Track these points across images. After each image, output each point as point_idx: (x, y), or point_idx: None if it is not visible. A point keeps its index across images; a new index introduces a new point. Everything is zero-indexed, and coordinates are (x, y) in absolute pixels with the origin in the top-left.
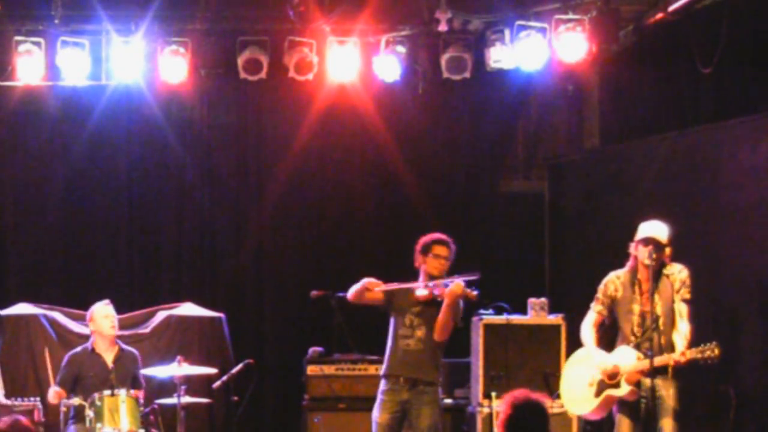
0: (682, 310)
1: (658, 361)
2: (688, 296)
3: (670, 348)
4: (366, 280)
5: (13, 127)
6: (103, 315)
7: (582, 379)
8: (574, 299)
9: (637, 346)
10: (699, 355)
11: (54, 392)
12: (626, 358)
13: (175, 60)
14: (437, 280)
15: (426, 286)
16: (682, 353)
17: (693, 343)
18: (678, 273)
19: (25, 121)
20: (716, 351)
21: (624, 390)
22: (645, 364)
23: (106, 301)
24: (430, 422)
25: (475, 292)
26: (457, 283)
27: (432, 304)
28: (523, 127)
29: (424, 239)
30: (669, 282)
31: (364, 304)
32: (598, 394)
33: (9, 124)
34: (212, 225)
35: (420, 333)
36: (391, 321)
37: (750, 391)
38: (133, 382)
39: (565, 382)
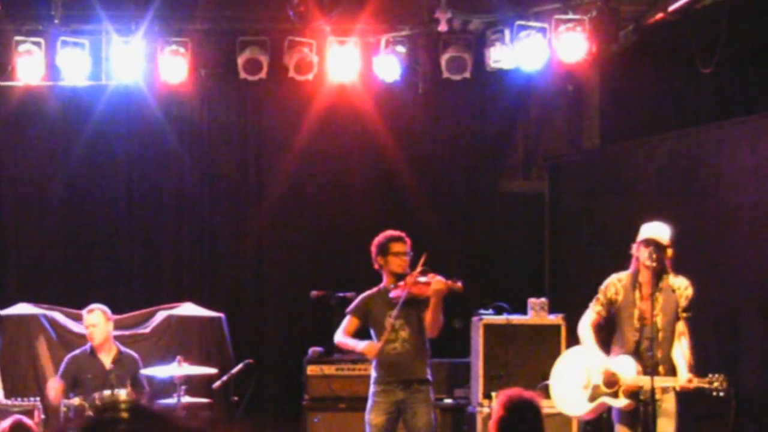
0: (685, 329)
1: (662, 381)
2: (690, 314)
3: (668, 362)
4: (364, 348)
5: (13, 127)
6: (85, 325)
7: (576, 379)
8: (574, 299)
9: (637, 354)
10: (706, 386)
11: (53, 388)
12: (627, 369)
13: (175, 60)
14: (406, 279)
15: (400, 287)
16: (689, 380)
17: (693, 365)
18: (684, 290)
19: (25, 121)
20: (724, 384)
21: (621, 402)
22: (645, 381)
23: (90, 307)
24: (426, 420)
25: (459, 283)
26: (438, 281)
27: (410, 303)
28: (523, 127)
29: (379, 240)
30: (674, 297)
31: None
32: (592, 399)
33: (9, 124)
34: (212, 225)
35: (404, 334)
36: (372, 332)
37: (750, 391)
38: (134, 385)
39: (556, 377)
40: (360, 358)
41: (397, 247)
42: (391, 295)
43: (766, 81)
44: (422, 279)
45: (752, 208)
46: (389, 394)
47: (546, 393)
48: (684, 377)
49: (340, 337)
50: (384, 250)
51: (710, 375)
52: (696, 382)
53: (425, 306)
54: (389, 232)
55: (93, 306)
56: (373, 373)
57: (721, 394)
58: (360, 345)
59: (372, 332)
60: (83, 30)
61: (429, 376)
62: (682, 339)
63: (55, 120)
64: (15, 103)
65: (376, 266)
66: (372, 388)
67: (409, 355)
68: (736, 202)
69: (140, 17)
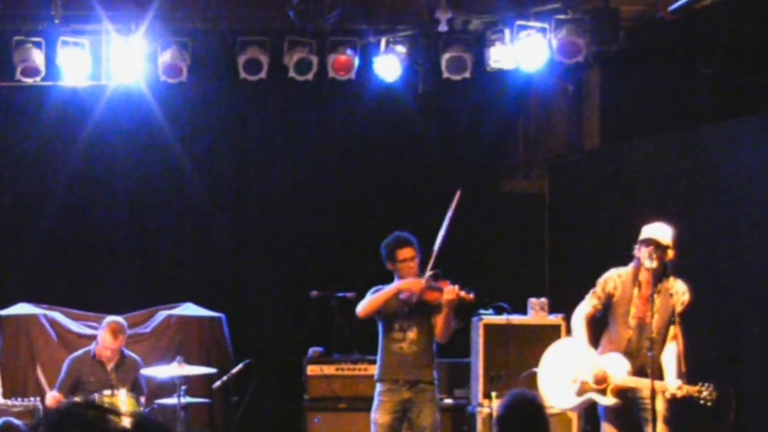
0: (678, 332)
1: (653, 386)
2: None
3: (658, 365)
4: (407, 283)
5: (13, 127)
6: (106, 345)
7: (565, 372)
8: (574, 299)
9: (628, 352)
10: (695, 394)
11: (52, 397)
12: (618, 368)
13: (174, 60)
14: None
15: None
16: (679, 387)
17: (685, 372)
18: (682, 295)
19: (25, 121)
20: (713, 395)
21: (609, 401)
22: (636, 382)
23: (114, 326)
24: (432, 420)
25: (471, 295)
26: (450, 290)
27: (420, 307)
28: (523, 127)
29: (386, 243)
30: (671, 302)
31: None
32: (580, 393)
33: (9, 124)
34: (212, 225)
35: (412, 335)
36: (380, 326)
37: (750, 391)
38: (134, 387)
39: (545, 368)
40: (360, 358)
41: (402, 254)
42: (402, 296)
43: (766, 81)
44: (435, 285)
45: (752, 208)
46: (395, 393)
47: (531, 381)
48: (674, 384)
49: (365, 301)
50: (391, 257)
51: (700, 384)
52: (686, 390)
53: (436, 311)
54: (395, 236)
55: (116, 325)
56: (376, 372)
57: (709, 404)
58: (402, 282)
59: (380, 326)
60: (83, 30)
61: (434, 380)
62: (673, 343)
63: (55, 120)
64: (15, 103)
65: (388, 267)
66: (377, 387)
67: (415, 356)
68: (736, 202)
69: (140, 17)
